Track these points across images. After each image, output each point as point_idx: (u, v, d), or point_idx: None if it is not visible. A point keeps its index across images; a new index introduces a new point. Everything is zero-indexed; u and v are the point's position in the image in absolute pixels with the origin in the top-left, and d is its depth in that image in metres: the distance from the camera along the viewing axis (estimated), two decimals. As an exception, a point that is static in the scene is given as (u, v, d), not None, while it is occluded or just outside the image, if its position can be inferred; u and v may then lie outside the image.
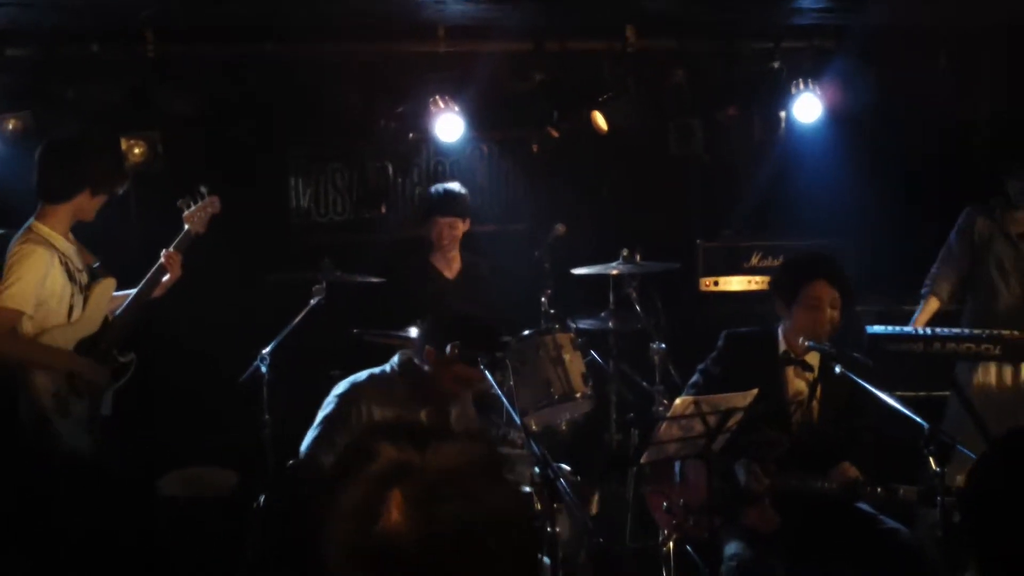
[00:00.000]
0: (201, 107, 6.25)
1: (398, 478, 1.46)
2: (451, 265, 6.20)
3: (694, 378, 4.70)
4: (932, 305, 5.81)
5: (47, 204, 4.57)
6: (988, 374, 5.67)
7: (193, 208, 5.02)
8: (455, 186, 6.18)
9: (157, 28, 5.87)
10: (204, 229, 5.03)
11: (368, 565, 1.44)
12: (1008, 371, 5.62)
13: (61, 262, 4.53)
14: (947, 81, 6.37)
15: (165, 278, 4.89)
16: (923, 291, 5.90)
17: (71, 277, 4.58)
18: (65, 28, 5.80)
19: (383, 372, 4.29)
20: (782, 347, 4.57)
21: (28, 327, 4.44)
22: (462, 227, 6.13)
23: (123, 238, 5.42)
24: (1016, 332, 5.50)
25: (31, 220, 4.56)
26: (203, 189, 5.04)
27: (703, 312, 6.89)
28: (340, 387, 4.23)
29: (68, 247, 4.61)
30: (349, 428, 4.08)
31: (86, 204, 4.61)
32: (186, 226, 4.99)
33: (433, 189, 6.23)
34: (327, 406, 4.20)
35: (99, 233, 4.87)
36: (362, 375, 4.27)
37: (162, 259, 4.87)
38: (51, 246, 4.50)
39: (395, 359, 4.32)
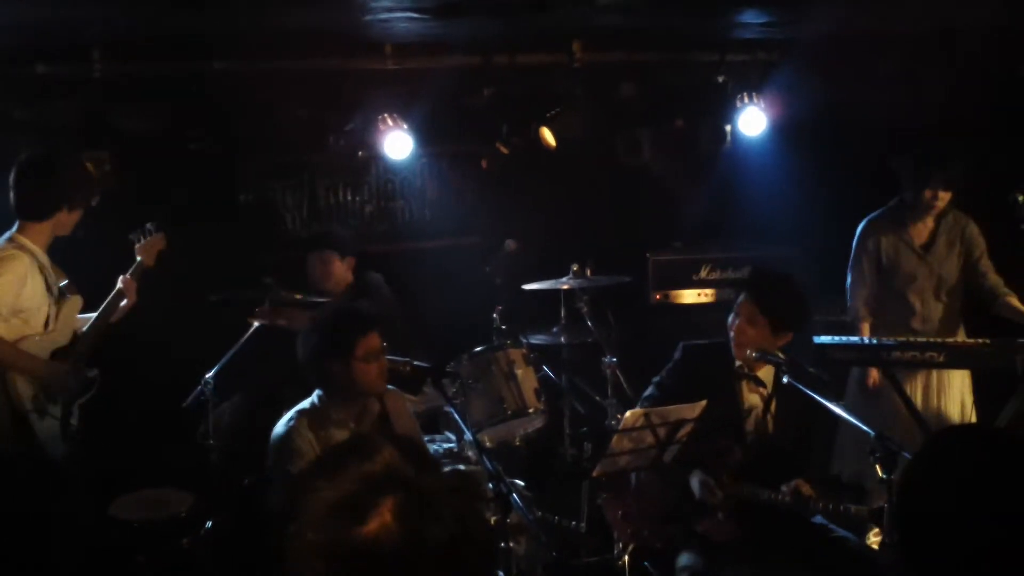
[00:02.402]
0: (150, 126, 6.22)
1: (393, 485, 1.46)
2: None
3: (648, 390, 4.71)
4: (867, 329, 5.88)
5: (26, 222, 4.67)
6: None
7: (143, 242, 5.16)
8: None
9: (104, 47, 5.82)
10: (152, 263, 5.17)
11: (339, 564, 1.43)
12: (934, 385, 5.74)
13: (41, 272, 4.64)
14: (890, 88, 6.46)
15: (123, 303, 5.02)
16: (849, 318, 5.97)
17: (49, 289, 4.69)
18: (9, 48, 5.74)
19: (311, 404, 4.30)
20: (737, 360, 4.61)
21: (1, 330, 4.48)
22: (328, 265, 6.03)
23: (75, 258, 5.36)
24: (960, 339, 5.62)
25: (12, 231, 4.66)
26: (150, 225, 5.19)
27: (654, 325, 6.94)
28: (276, 433, 4.23)
29: (46, 259, 4.73)
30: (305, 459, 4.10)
31: (65, 219, 4.73)
32: (139, 257, 5.12)
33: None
34: (272, 454, 4.21)
35: (51, 252, 4.85)
36: (292, 413, 4.27)
37: (120, 285, 4.98)
38: (33, 256, 4.60)
39: (315, 393, 4.33)
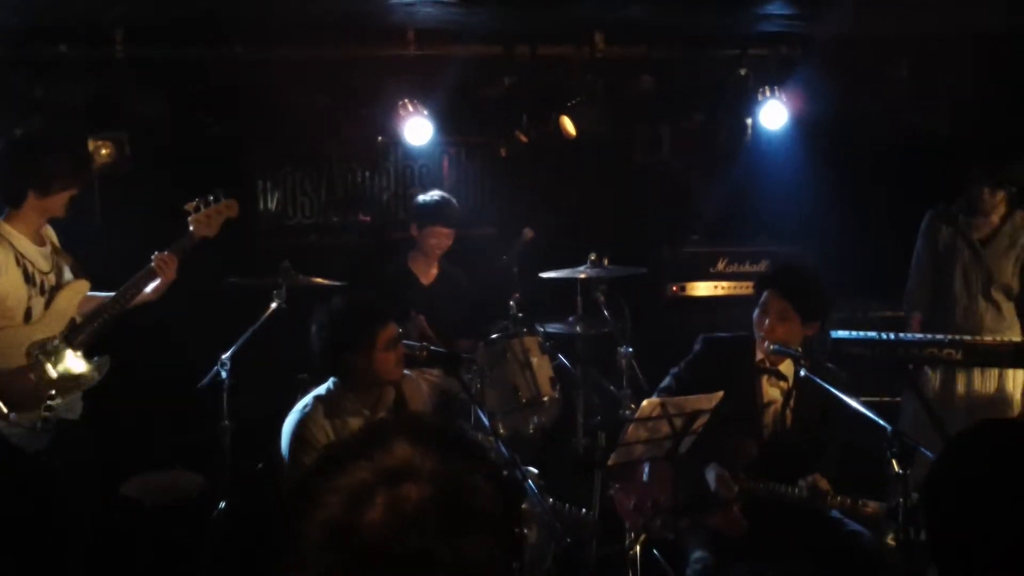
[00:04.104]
0: (169, 109, 6.21)
1: (406, 477, 1.43)
2: (428, 271, 6.14)
3: (665, 381, 4.70)
4: (917, 322, 5.88)
5: (7, 208, 4.51)
6: (938, 381, 5.76)
7: (204, 210, 4.89)
8: (448, 196, 6.11)
9: (127, 29, 5.82)
10: (215, 233, 4.91)
11: (346, 557, 1.40)
12: (962, 378, 5.70)
13: (18, 263, 4.43)
14: (909, 89, 6.44)
15: (155, 283, 4.75)
16: (905, 309, 5.97)
17: (29, 279, 4.49)
18: (33, 27, 5.75)
19: (328, 390, 4.27)
20: (759, 355, 4.59)
21: None
22: (451, 240, 6.07)
23: (87, 239, 5.35)
24: (978, 337, 5.59)
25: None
26: (219, 192, 4.94)
27: (670, 317, 6.94)
28: (291, 419, 4.20)
29: (30, 248, 4.52)
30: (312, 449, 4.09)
31: (41, 204, 4.49)
32: (191, 228, 4.85)
33: (428, 197, 6.09)
34: (285, 441, 4.19)
35: (62, 234, 4.82)
36: (307, 400, 4.26)
37: (152, 263, 4.74)
38: (9, 246, 4.42)
39: (331, 380, 4.31)
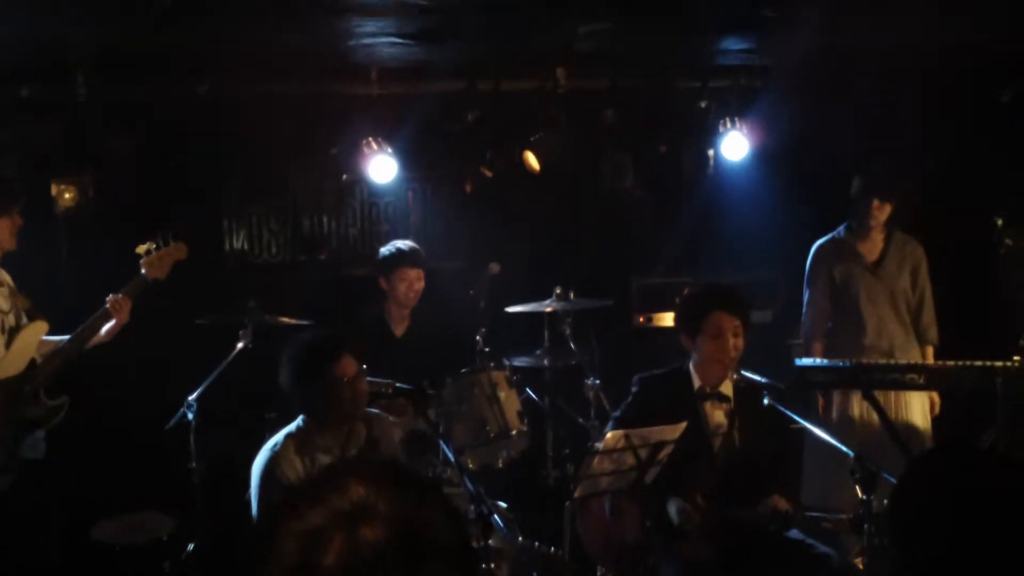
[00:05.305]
0: (133, 148, 6.21)
1: (363, 520, 1.43)
2: (401, 323, 6.08)
3: (609, 427, 4.60)
4: (818, 350, 5.98)
5: None
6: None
7: (155, 253, 4.98)
8: (408, 242, 6.09)
9: (88, 69, 5.83)
10: (165, 275, 5.00)
11: None
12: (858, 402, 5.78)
13: None
14: (868, 113, 6.53)
15: (108, 325, 4.83)
16: (803, 340, 6.10)
17: None
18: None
19: (297, 427, 4.27)
20: (697, 382, 4.61)
21: None
22: (422, 281, 6.02)
23: (53, 281, 5.35)
24: (941, 361, 5.66)
25: None
26: (167, 235, 5.05)
27: (637, 347, 6.96)
28: (262, 456, 4.19)
29: None
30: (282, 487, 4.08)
31: None
32: (142, 271, 4.94)
33: (389, 247, 6.06)
34: (255, 479, 4.18)
35: (28, 276, 4.82)
36: (278, 437, 4.25)
37: (107, 304, 4.80)
38: None
39: (300, 416, 4.31)
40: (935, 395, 5.90)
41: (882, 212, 5.84)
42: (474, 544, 3.82)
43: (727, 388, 4.60)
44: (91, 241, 6.14)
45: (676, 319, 4.87)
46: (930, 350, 5.93)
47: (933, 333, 5.94)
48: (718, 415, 4.60)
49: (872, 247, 5.94)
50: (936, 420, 5.90)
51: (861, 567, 4.60)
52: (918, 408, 5.85)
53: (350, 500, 1.45)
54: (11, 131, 5.85)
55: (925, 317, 5.94)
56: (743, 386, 4.51)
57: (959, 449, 2.30)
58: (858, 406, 5.78)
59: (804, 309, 6.11)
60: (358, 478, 1.49)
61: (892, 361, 5.57)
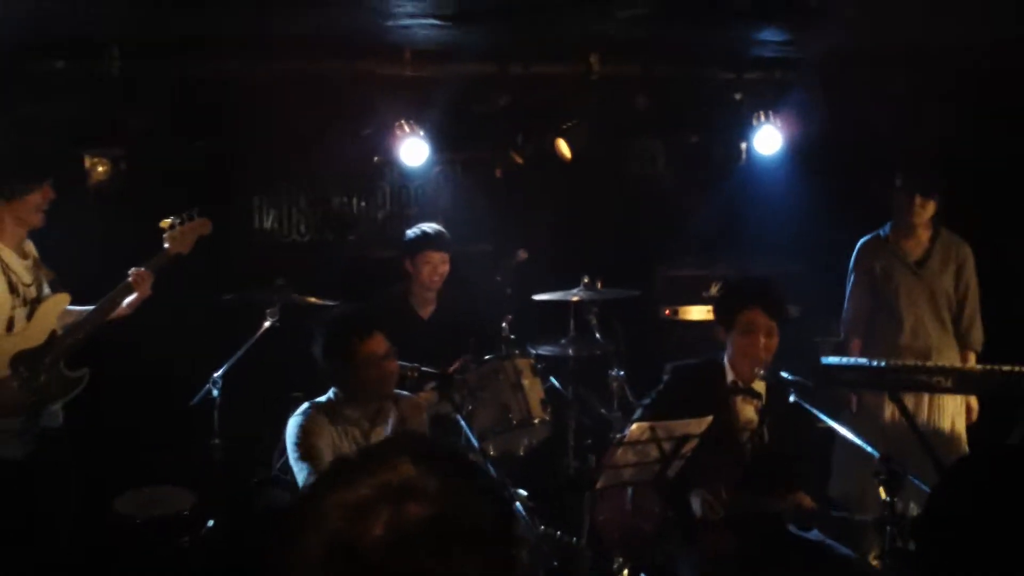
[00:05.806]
0: (165, 125, 6.23)
1: (407, 497, 1.44)
2: (427, 306, 6.09)
3: (637, 414, 4.63)
4: (856, 346, 5.92)
5: None
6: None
7: (179, 228, 5.00)
8: (434, 225, 6.08)
9: (122, 44, 5.84)
10: (188, 250, 5.02)
11: (340, 572, 1.40)
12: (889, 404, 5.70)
13: (3, 273, 4.51)
14: (905, 107, 6.47)
15: (130, 298, 4.85)
16: (843, 335, 6.03)
17: (13, 289, 4.54)
18: (29, 43, 5.77)
19: (328, 399, 4.36)
20: (730, 376, 4.58)
21: None
22: (447, 264, 6.02)
23: (84, 255, 5.37)
24: (969, 365, 5.61)
25: None
26: (193, 210, 5.05)
27: (662, 340, 6.93)
28: (295, 419, 4.28)
29: (14, 260, 4.58)
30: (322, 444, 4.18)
31: (12, 211, 4.55)
32: (165, 245, 4.97)
33: (415, 229, 6.06)
34: (291, 436, 4.24)
35: (59, 249, 4.84)
36: (305, 406, 4.33)
37: (130, 278, 4.83)
38: None
39: (332, 389, 4.38)
40: (973, 400, 5.78)
41: (925, 209, 5.74)
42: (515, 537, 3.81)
43: (759, 385, 4.57)
44: (122, 215, 6.15)
45: (714, 310, 4.83)
46: (971, 355, 5.81)
47: (975, 337, 5.82)
48: (748, 411, 4.56)
49: (916, 245, 5.84)
50: (971, 426, 5.79)
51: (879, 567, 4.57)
52: (952, 412, 5.75)
53: (400, 476, 1.46)
54: (45, 105, 5.86)
55: (966, 319, 5.82)
56: (775, 384, 4.47)
57: (1001, 455, 2.26)
58: (889, 407, 5.70)
59: (845, 304, 6.05)
60: (410, 455, 1.49)
61: (924, 363, 5.49)
